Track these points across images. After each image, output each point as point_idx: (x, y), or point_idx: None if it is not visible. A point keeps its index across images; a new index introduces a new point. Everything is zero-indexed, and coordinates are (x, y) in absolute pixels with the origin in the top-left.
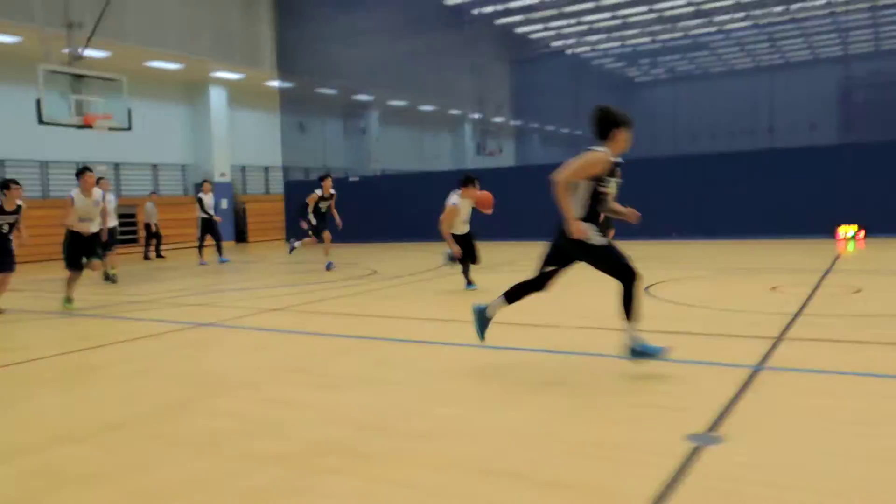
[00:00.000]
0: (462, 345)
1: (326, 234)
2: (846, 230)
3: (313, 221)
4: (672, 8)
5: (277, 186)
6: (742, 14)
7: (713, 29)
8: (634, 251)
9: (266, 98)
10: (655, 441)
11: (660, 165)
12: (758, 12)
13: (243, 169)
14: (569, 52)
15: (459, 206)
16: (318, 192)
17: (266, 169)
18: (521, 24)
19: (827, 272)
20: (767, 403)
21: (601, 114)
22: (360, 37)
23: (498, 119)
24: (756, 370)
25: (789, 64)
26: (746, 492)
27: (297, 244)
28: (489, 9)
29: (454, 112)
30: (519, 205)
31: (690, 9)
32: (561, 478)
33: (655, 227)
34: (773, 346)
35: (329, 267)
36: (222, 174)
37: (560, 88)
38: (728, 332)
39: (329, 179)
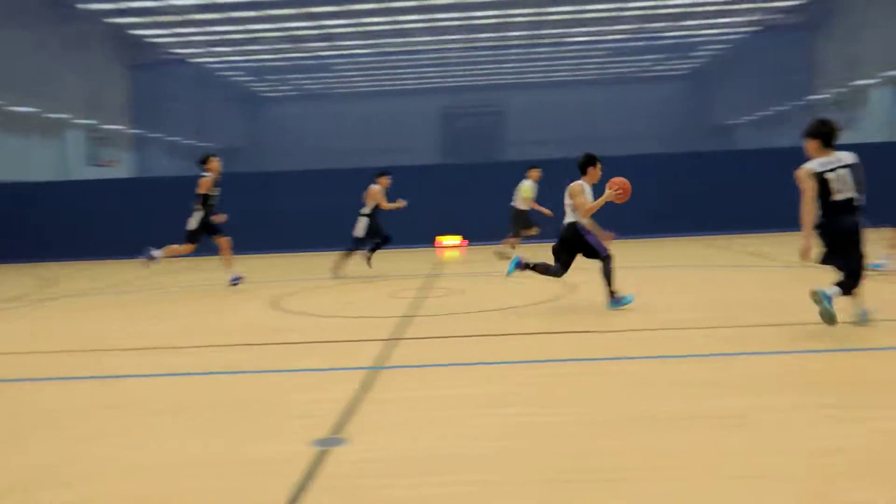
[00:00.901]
0: (71, 378)
1: (224, 240)
2: (448, 239)
3: (194, 223)
4: (299, 28)
5: None
6: (364, 42)
7: (337, 52)
8: (264, 263)
9: None
10: (283, 451)
11: (291, 180)
12: (377, 41)
13: None
14: (193, 60)
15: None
16: (208, 175)
17: None
18: (139, 26)
19: (435, 276)
20: (386, 401)
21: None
22: None
23: (114, 126)
24: (377, 370)
25: (405, 90)
26: (365, 485)
27: (157, 253)
28: (100, 6)
29: (59, 116)
30: (142, 218)
31: (317, 31)
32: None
33: (284, 239)
34: (393, 347)
35: (236, 281)
36: None
37: (185, 98)
38: (353, 338)
39: (217, 159)
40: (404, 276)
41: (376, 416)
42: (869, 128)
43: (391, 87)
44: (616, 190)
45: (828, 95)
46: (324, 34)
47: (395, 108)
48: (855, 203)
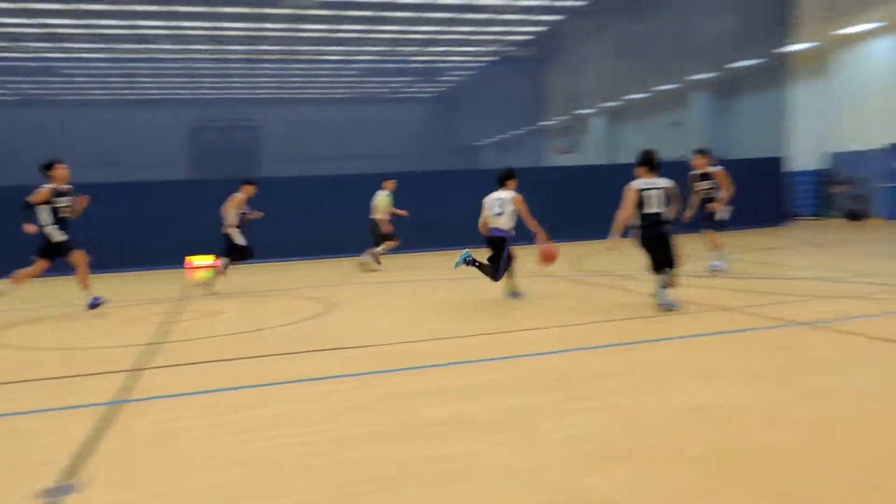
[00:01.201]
0: None
1: (79, 256)
2: (198, 259)
3: (57, 236)
4: (16, 25)
5: None
6: (97, 45)
7: (65, 55)
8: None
9: None
10: None
11: (5, 197)
12: (113, 46)
13: None
14: None
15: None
16: (47, 186)
17: None
18: None
19: (186, 299)
20: (130, 437)
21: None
22: None
23: None
24: (119, 405)
25: (146, 100)
26: None
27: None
28: None
29: None
30: None
31: (38, 30)
32: None
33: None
34: (137, 378)
35: (96, 303)
36: None
37: None
38: (89, 371)
39: (63, 166)
40: (149, 300)
41: (116, 455)
42: (591, 151)
43: (131, 97)
44: (548, 247)
45: (556, 122)
46: (47, 34)
47: (135, 118)
48: (663, 216)
